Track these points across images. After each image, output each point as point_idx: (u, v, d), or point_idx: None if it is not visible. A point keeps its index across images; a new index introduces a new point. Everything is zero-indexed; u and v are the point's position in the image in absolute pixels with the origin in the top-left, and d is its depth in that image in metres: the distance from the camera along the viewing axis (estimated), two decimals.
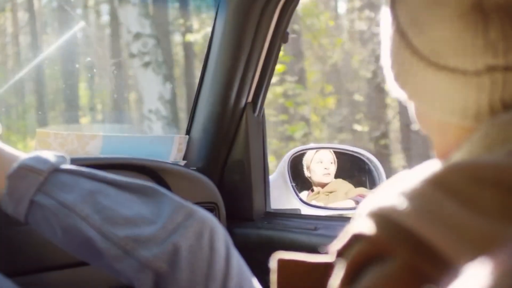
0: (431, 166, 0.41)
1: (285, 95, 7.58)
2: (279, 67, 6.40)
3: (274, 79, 6.78)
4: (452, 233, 0.35)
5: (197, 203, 1.23)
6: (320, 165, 1.69)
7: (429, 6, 0.47)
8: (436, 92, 0.47)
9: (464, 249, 0.34)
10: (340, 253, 0.42)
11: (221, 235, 0.87)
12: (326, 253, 0.47)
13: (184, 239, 0.83)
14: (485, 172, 0.38)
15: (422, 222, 0.36)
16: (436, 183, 0.39)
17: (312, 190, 1.71)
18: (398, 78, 0.52)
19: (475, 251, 0.33)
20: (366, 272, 0.39)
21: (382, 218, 0.39)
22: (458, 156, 0.43)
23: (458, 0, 0.45)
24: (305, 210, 1.52)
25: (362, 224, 0.40)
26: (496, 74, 0.43)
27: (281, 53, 1.32)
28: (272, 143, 7.04)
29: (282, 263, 0.53)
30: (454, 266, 0.34)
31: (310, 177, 1.71)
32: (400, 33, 0.50)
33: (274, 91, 7.34)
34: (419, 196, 0.38)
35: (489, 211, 0.35)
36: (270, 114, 7.28)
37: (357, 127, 8.09)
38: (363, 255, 0.39)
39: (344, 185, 1.70)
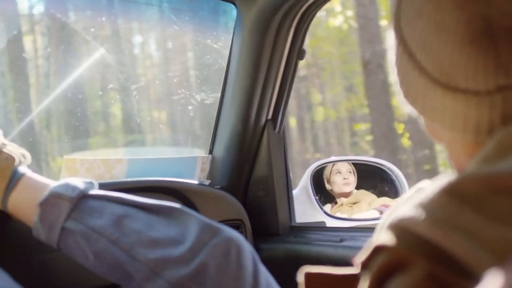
0: (448, 177, 0.41)
1: None
2: None
3: None
4: (470, 241, 0.36)
5: (223, 221, 1.24)
6: (339, 175, 1.71)
7: (437, 32, 0.47)
8: (447, 111, 0.48)
9: (482, 257, 0.35)
10: (364, 265, 0.43)
11: (248, 252, 0.88)
12: (352, 265, 0.48)
13: (212, 258, 0.84)
14: (501, 181, 0.38)
15: (439, 232, 0.37)
16: (452, 192, 0.39)
17: (336, 203, 1.72)
18: (407, 96, 0.52)
19: (493, 258, 0.34)
20: (390, 283, 0.39)
21: (401, 229, 0.40)
22: (473, 165, 0.43)
23: (466, 28, 0.45)
24: (330, 223, 1.52)
25: (383, 236, 0.41)
26: (508, 92, 0.44)
27: None
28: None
29: (309, 276, 0.53)
30: (474, 273, 0.35)
31: (331, 190, 1.72)
32: (408, 53, 0.50)
33: None
34: (435, 206, 0.39)
35: (505, 218, 0.36)
36: None
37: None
38: (385, 267, 0.40)
39: (367, 196, 1.71)
